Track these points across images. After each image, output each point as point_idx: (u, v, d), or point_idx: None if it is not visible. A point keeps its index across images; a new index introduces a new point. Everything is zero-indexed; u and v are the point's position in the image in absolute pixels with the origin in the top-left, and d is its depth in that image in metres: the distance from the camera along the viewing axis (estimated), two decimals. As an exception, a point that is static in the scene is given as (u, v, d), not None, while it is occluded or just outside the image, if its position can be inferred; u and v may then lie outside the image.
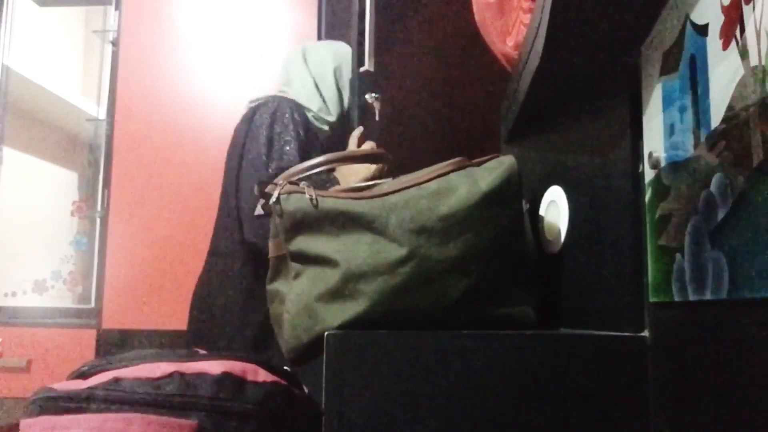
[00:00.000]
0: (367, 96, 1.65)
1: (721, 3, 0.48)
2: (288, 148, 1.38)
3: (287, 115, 1.42)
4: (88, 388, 0.87)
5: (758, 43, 0.42)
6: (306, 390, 0.91)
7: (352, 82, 1.63)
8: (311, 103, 1.55)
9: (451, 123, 1.81)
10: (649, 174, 0.61)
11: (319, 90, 1.57)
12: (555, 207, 0.84)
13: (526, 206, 0.91)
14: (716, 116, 0.48)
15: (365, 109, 1.65)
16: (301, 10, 1.95)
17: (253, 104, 1.51)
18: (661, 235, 0.58)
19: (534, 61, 0.72)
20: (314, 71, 1.59)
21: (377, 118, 1.63)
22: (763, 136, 0.42)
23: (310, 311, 0.71)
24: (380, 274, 0.69)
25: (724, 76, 0.47)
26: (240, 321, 1.39)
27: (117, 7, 2.15)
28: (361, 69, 1.68)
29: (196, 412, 0.86)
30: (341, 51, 1.65)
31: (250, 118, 1.45)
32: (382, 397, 0.62)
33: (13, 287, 2.28)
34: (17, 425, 0.76)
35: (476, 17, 1.07)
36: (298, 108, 1.49)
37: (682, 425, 0.55)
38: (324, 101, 1.58)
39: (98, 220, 2.16)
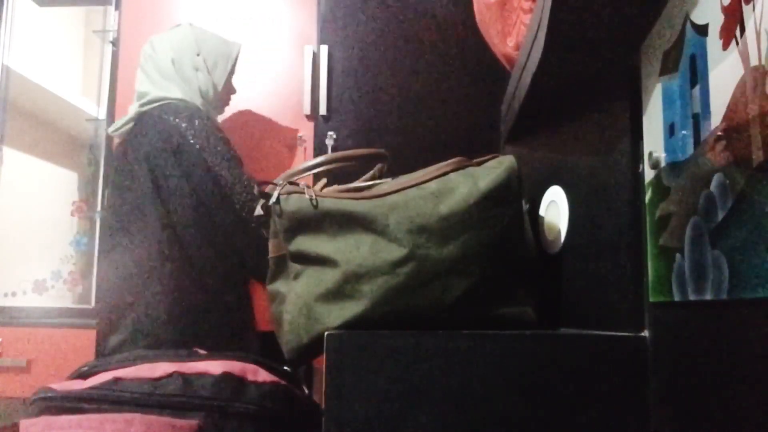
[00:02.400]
0: (328, 140, 1.76)
1: (721, 3, 0.48)
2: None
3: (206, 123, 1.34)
4: (88, 388, 0.87)
5: (758, 43, 0.42)
6: (306, 390, 0.91)
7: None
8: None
9: (452, 123, 1.81)
10: (649, 174, 0.61)
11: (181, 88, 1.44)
12: (555, 207, 0.84)
13: (526, 206, 0.91)
14: (716, 116, 0.48)
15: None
16: (301, 11, 1.95)
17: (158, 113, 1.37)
18: (661, 235, 0.58)
19: (534, 61, 0.72)
20: (163, 70, 1.46)
21: (329, 151, 1.68)
22: (763, 136, 0.42)
23: (310, 311, 0.71)
24: (380, 274, 0.69)
25: (724, 76, 0.47)
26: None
27: (117, 7, 2.14)
28: (321, 113, 1.78)
29: (196, 412, 0.86)
30: (177, 38, 1.50)
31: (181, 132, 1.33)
32: (382, 397, 0.62)
33: (13, 287, 2.28)
34: (17, 425, 0.76)
35: (477, 17, 1.07)
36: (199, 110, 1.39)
37: (682, 425, 0.55)
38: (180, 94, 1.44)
39: (98, 220, 2.16)
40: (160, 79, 1.45)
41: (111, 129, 1.47)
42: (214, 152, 1.32)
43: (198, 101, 1.45)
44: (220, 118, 1.73)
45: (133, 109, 1.44)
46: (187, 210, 1.30)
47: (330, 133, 1.81)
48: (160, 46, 1.49)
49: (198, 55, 1.49)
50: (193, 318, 1.27)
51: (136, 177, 1.33)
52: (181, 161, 1.31)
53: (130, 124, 1.42)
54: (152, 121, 1.36)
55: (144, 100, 1.41)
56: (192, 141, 1.31)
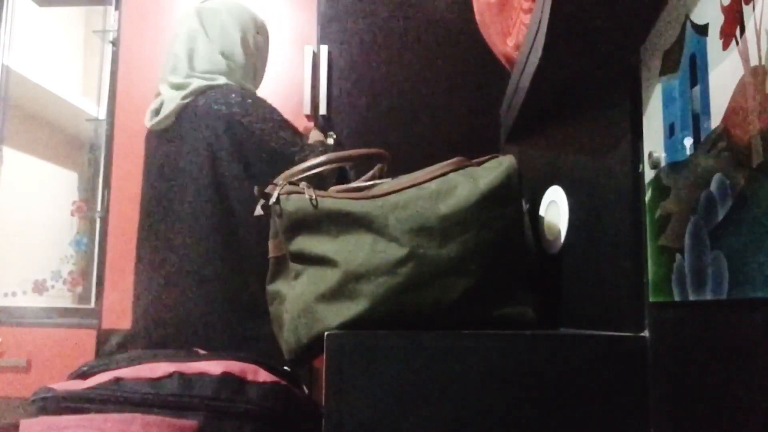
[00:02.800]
0: (328, 139, 1.74)
1: (721, 3, 0.48)
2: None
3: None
4: (88, 388, 0.87)
5: (758, 43, 0.42)
6: (306, 390, 0.91)
7: None
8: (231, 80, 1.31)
9: (451, 123, 1.81)
10: (649, 174, 0.61)
11: (231, 68, 1.31)
12: (555, 207, 0.84)
13: (526, 206, 0.91)
14: (716, 116, 0.48)
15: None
16: (301, 11, 1.95)
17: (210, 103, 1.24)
18: (661, 235, 0.58)
19: (534, 61, 0.72)
20: (221, 47, 1.31)
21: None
22: (763, 136, 0.42)
23: (310, 311, 0.71)
24: (380, 275, 0.69)
25: (724, 76, 0.47)
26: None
27: (117, 7, 2.14)
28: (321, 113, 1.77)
29: (196, 412, 0.86)
30: (242, 14, 1.36)
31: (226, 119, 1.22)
32: (382, 397, 0.62)
33: (13, 287, 2.28)
34: (17, 425, 0.76)
35: (477, 17, 1.07)
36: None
37: (682, 425, 0.55)
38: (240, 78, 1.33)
39: (98, 220, 2.16)
40: (214, 57, 1.31)
41: (150, 123, 1.34)
42: (272, 133, 1.23)
43: (250, 84, 1.36)
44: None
45: (171, 102, 1.30)
46: (247, 204, 1.20)
47: (330, 133, 1.81)
48: (219, 22, 1.33)
49: (258, 33, 1.39)
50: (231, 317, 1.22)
51: (187, 173, 1.24)
52: (242, 151, 1.21)
53: (172, 119, 1.29)
54: (201, 113, 1.25)
55: (187, 91, 1.28)
56: (250, 128, 1.22)
